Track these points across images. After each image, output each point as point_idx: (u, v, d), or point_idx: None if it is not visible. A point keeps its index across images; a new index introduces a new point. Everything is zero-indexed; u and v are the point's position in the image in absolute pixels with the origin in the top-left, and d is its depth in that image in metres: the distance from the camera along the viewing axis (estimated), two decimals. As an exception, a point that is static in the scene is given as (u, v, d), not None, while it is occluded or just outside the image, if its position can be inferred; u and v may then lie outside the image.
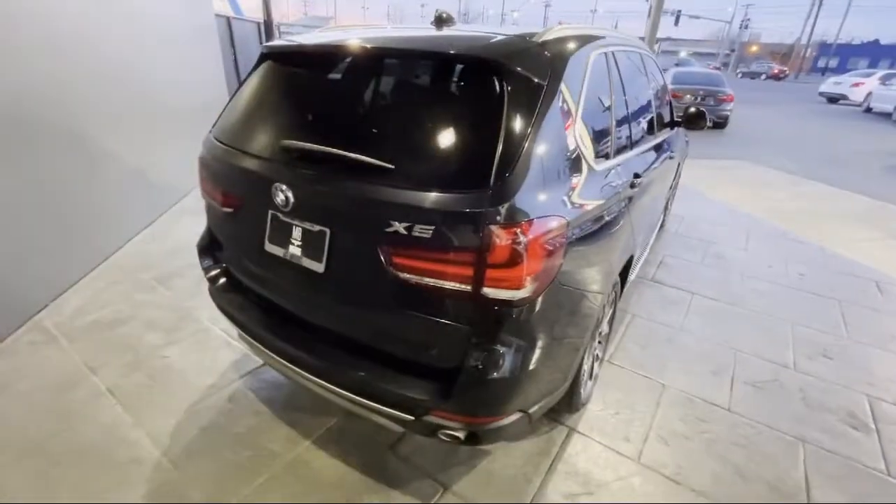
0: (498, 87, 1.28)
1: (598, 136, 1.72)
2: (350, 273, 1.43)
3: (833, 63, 50.83)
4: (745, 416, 2.17)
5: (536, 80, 1.34)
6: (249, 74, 1.82)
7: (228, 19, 6.99)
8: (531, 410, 1.50)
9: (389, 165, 1.28)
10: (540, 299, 1.31)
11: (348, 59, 1.66)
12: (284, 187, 1.42)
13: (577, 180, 1.47)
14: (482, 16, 69.37)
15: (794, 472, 1.89)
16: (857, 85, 17.29)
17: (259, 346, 1.74)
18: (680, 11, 30.97)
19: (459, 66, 1.46)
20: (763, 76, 38.61)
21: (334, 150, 1.35)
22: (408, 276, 1.29)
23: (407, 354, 1.45)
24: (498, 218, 1.19)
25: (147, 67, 3.96)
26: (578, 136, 1.51)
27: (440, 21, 1.77)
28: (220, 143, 1.71)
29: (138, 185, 3.86)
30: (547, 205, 1.29)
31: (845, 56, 51.77)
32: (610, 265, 1.80)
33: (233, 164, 1.63)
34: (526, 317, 1.31)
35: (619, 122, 1.96)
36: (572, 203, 1.41)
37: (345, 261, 1.43)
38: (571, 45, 1.58)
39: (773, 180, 6.55)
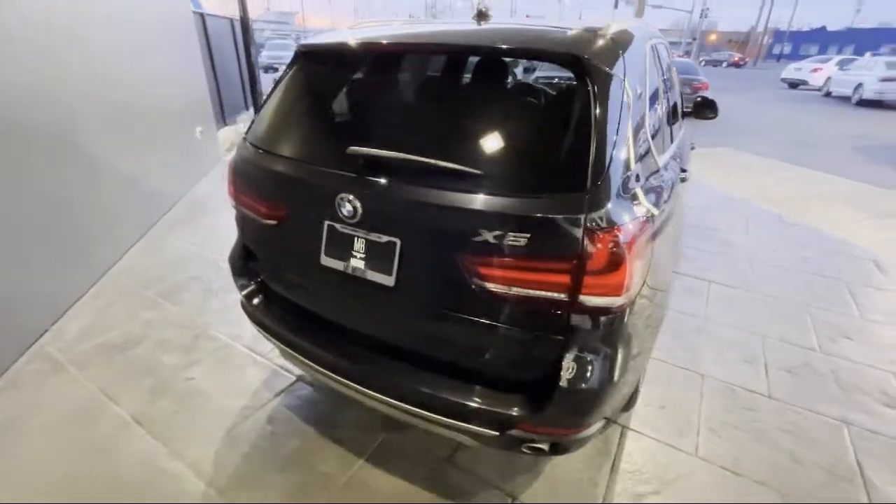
0: (588, 85, 1.21)
1: (657, 131, 1.68)
2: (425, 286, 1.35)
3: (787, 49, 53.00)
4: (787, 402, 2.20)
5: (616, 76, 1.29)
6: (284, 75, 1.69)
7: (203, 16, 6.64)
8: (612, 415, 1.46)
9: (478, 171, 1.20)
10: (633, 304, 1.27)
11: (413, 58, 1.57)
12: (351, 197, 1.32)
13: (652, 177, 1.44)
14: (450, 8, 68.75)
15: (846, 456, 1.93)
16: (816, 70, 18.04)
17: (311, 363, 1.63)
18: (644, 1, 31.53)
19: (563, 65, 1.32)
20: (724, 64, 39.90)
21: (422, 159, 1.25)
22: (496, 286, 1.22)
23: (486, 368, 1.38)
24: (598, 222, 1.13)
25: (127, 70, 3.70)
26: (648, 132, 1.47)
27: (481, 15, 1.69)
28: (262, 150, 1.59)
29: (128, 195, 3.62)
30: (635, 205, 1.25)
31: (798, 42, 53.97)
32: (673, 262, 1.78)
33: (281, 172, 1.51)
34: (619, 323, 1.27)
35: (666, 115, 1.94)
36: (651, 201, 1.37)
37: (418, 273, 1.35)
38: (632, 40, 1.54)
39: (757, 165, 6.75)
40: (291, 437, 1.96)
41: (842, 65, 16.79)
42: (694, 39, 38.86)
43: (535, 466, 1.84)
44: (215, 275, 3.22)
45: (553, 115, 1.27)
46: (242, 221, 1.81)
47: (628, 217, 1.19)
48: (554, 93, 1.31)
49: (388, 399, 1.47)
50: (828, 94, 16.38)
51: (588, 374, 1.25)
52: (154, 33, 4.20)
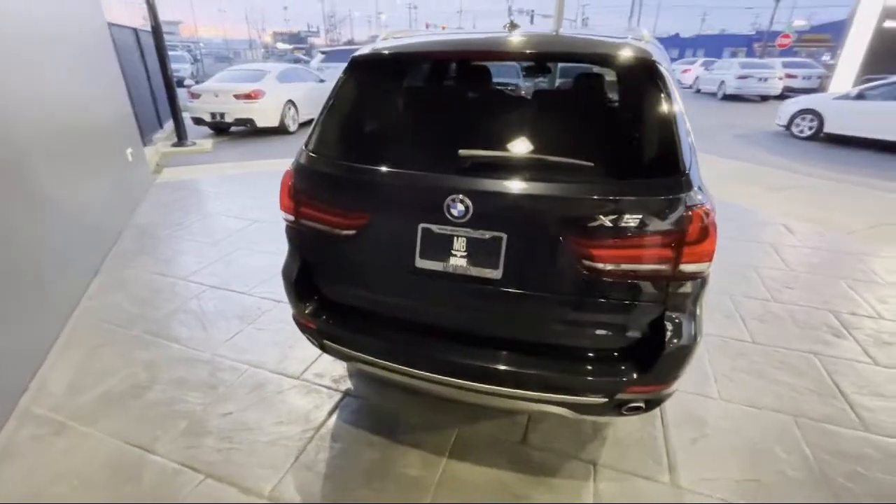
0: (655, 82, 1.41)
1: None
2: (533, 274, 1.46)
3: (654, 53, 60.25)
4: (768, 344, 2.64)
5: (669, 75, 1.51)
6: (345, 85, 1.67)
7: (109, 26, 5.95)
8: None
9: (589, 163, 1.34)
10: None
11: (492, 64, 1.65)
12: (462, 197, 1.38)
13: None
14: (348, 18, 67.97)
15: (825, 379, 2.37)
16: (686, 71, 20.91)
17: (402, 367, 1.64)
18: (534, 11, 34.17)
19: (624, 67, 1.47)
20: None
21: (541, 156, 1.36)
22: (606, 265, 1.37)
23: (591, 342, 1.52)
24: (693, 199, 1.33)
25: (53, 90, 3.25)
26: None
27: (513, 26, 1.84)
28: (338, 160, 1.58)
29: (72, 228, 3.17)
30: (702, 183, 1.47)
31: (661, 47, 61.68)
32: None
33: (368, 181, 1.52)
34: (701, 287, 1.48)
35: None
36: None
37: (525, 263, 1.44)
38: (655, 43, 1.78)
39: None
40: (364, 449, 1.93)
41: (706, 65, 19.63)
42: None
43: (601, 433, 2.02)
44: (203, 303, 2.98)
45: (635, 111, 1.44)
46: (303, 236, 1.75)
47: (703, 194, 1.41)
48: (636, 91, 1.47)
49: (495, 388, 1.55)
50: (697, 91, 19.02)
51: (683, 333, 1.45)
52: (74, 48, 3.72)
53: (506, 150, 1.38)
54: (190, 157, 6.96)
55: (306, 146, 1.68)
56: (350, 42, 52.97)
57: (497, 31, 1.88)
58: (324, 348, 1.84)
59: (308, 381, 2.31)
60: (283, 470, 1.82)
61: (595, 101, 1.53)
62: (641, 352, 1.47)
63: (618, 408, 1.55)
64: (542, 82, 1.71)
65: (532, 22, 33.13)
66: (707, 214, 1.34)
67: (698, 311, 1.51)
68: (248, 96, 7.86)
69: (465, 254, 1.48)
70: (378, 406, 2.17)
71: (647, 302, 1.43)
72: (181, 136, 7.18)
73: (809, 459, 1.89)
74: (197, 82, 11.53)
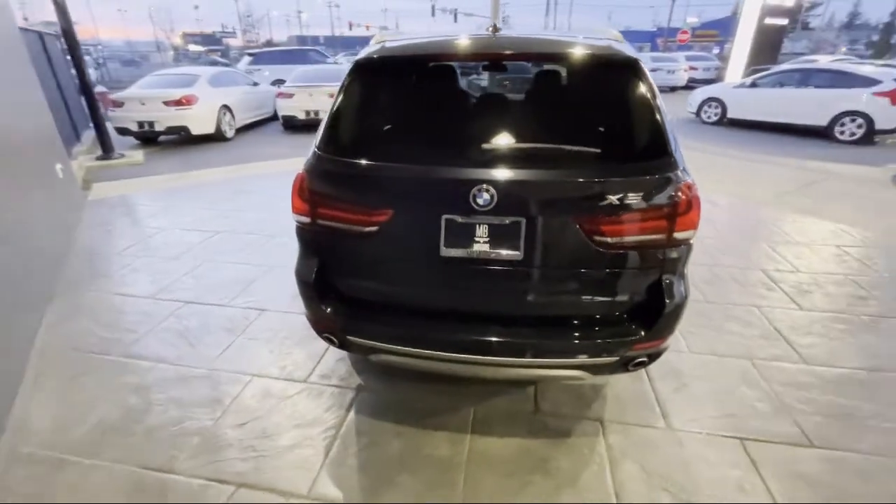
0: (642, 78, 1.63)
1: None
2: (550, 252, 1.62)
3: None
4: (719, 302, 3.04)
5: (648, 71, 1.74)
6: (349, 86, 1.73)
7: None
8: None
9: (596, 150, 1.52)
10: (693, 235, 1.74)
11: (496, 63, 1.77)
12: (486, 187, 1.51)
13: None
14: (266, 17, 64.67)
15: (768, 326, 2.79)
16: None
17: (432, 352, 1.74)
18: (457, 10, 34.80)
19: (618, 65, 1.67)
20: (529, 63, 46.33)
21: (555, 145, 1.52)
22: (614, 239, 1.57)
23: (600, 309, 1.72)
24: (681, 175, 1.57)
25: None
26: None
27: (496, 29, 1.99)
28: (356, 160, 1.64)
29: (8, 252, 2.89)
30: (684, 163, 1.71)
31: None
32: None
33: (391, 178, 1.60)
34: (687, 252, 1.72)
35: None
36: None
37: (542, 243, 1.60)
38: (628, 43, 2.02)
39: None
40: (391, 439, 2.00)
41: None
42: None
43: (600, 393, 2.25)
44: (183, 320, 2.85)
45: (629, 104, 1.64)
46: (320, 237, 1.79)
47: (686, 172, 1.65)
48: (626, 86, 1.66)
49: (523, 361, 1.70)
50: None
51: (678, 292, 1.69)
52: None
53: (523, 141, 1.53)
54: (120, 170, 6.41)
55: (319, 148, 1.72)
56: (269, 43, 50.53)
57: (479, 32, 2.02)
58: (345, 345, 1.89)
59: (316, 384, 2.33)
60: (315, 469, 1.85)
61: (593, 96, 1.71)
62: (645, 312, 1.69)
63: (625, 365, 1.76)
64: (542, 80, 1.85)
65: (455, 21, 33.71)
66: (691, 188, 1.58)
67: (686, 273, 1.76)
68: (179, 102, 7.39)
69: (487, 239, 1.61)
70: (392, 397, 2.24)
71: (647, 268, 1.65)
72: (107, 149, 6.58)
73: (769, 392, 2.25)
74: (109, 89, 10.54)
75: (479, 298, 1.74)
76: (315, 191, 1.70)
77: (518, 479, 1.81)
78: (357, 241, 1.72)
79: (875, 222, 4.47)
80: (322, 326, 1.89)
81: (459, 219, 1.60)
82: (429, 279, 1.73)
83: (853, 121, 8.51)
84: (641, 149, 1.60)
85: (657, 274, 1.67)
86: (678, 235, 1.61)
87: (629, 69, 1.63)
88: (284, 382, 2.33)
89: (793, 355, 2.53)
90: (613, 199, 1.52)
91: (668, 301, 1.66)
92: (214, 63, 29.06)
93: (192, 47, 48.61)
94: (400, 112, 1.75)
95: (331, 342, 1.92)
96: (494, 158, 1.55)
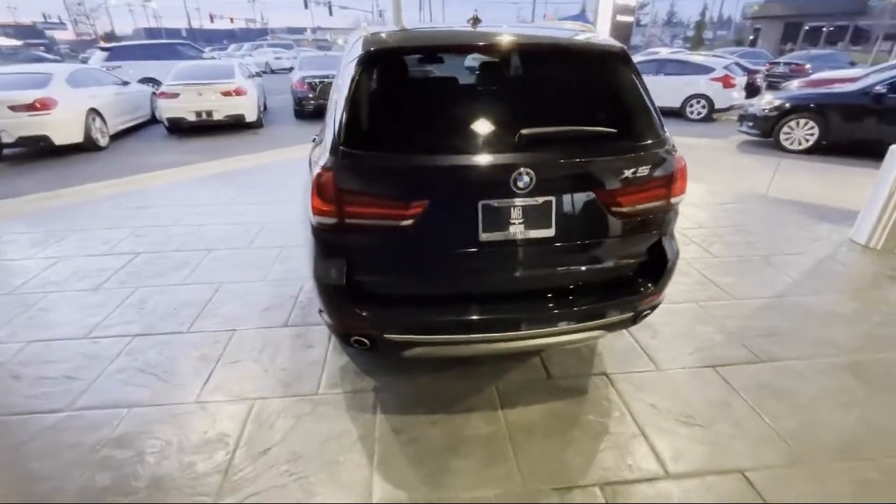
0: (633, 66, 1.85)
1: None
2: (578, 226, 1.77)
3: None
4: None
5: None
6: (360, 78, 1.67)
7: None
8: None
9: (613, 130, 1.70)
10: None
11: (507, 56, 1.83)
12: (525, 170, 1.61)
13: None
14: (104, 6, 54.85)
15: (697, 274, 3.33)
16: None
17: (473, 336, 1.80)
18: (330, 3, 33.57)
19: (610, 57, 1.85)
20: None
21: (583, 127, 1.66)
22: (629, 208, 1.78)
23: (618, 272, 1.93)
24: (674, 148, 1.83)
25: None
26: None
27: (476, 21, 2.08)
28: (392, 153, 1.61)
29: None
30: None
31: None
32: None
33: (428, 167, 1.61)
34: (676, 215, 2.00)
35: None
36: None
37: (570, 218, 1.75)
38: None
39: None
40: (428, 430, 2.01)
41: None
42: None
43: (595, 351, 2.50)
44: (141, 356, 2.47)
45: (629, 90, 1.84)
46: (348, 236, 1.71)
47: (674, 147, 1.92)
48: (619, 73, 1.86)
49: (558, 329, 1.84)
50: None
51: (675, 250, 1.98)
52: None
53: (546, 125, 1.65)
54: (-44, 196, 5.10)
55: (344, 144, 1.64)
56: (111, 36, 43.29)
57: (462, 24, 2.08)
58: (379, 346, 1.85)
59: (328, 394, 2.22)
60: (367, 476, 1.80)
61: (598, 83, 1.88)
62: (651, 270, 1.95)
63: (635, 319, 2.01)
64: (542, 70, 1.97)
65: (331, 14, 32.47)
66: (681, 160, 1.85)
67: (675, 234, 2.07)
68: (33, 107, 6.13)
69: (522, 220, 1.71)
70: (413, 391, 2.24)
71: (652, 231, 1.91)
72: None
73: (718, 325, 2.72)
74: None
75: (517, 277, 1.83)
76: (344, 188, 1.63)
77: (560, 438, 1.97)
78: (391, 235, 1.70)
79: (737, 181, 5.53)
80: (355, 330, 1.82)
81: (496, 203, 1.67)
82: (468, 265, 1.77)
83: (699, 102, 10.27)
84: (643, 128, 1.82)
85: (658, 235, 1.93)
86: (673, 200, 1.88)
87: (623, 58, 1.85)
88: (294, 399, 2.18)
89: (723, 294, 3.07)
90: (628, 173, 1.73)
91: (669, 258, 1.94)
92: (41, 59, 24.27)
93: (4, 41, 39.59)
94: (421, 102, 1.74)
95: (361, 346, 1.86)
96: (526, 143, 1.64)
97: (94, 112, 6.94)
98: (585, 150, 1.71)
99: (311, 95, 9.28)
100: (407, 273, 1.81)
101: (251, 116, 8.19)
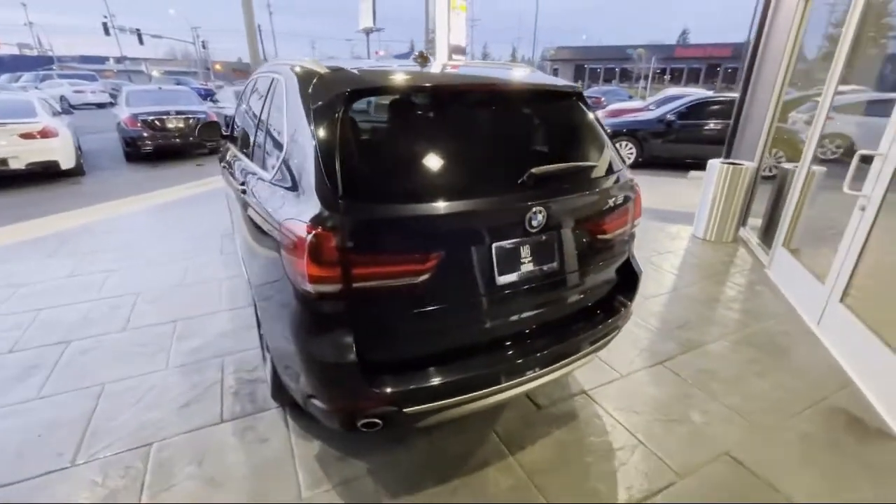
0: (587, 107, 2.00)
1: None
2: (575, 256, 1.82)
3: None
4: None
5: None
6: (342, 120, 1.46)
7: None
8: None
9: (595, 163, 1.80)
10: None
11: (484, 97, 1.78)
12: (539, 209, 1.59)
13: None
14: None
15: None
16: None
17: (494, 388, 1.68)
18: (140, 30, 29.12)
19: (577, 97, 1.99)
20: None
21: (583, 164, 1.74)
22: (611, 234, 1.91)
23: (608, 293, 2.04)
24: (632, 179, 2.03)
25: None
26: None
27: (424, 59, 2.05)
28: (399, 203, 1.43)
29: None
30: None
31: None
32: None
33: (449, 215, 1.47)
34: (634, 235, 2.21)
35: None
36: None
37: (570, 249, 1.79)
38: None
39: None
40: (451, 497, 1.80)
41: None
42: (207, 69, 40.19)
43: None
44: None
45: (586, 125, 1.97)
46: (356, 303, 1.45)
47: None
48: (576, 111, 1.99)
49: (566, 362, 1.84)
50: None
51: (639, 265, 2.18)
52: None
53: (549, 162, 1.67)
54: None
55: (342, 196, 1.39)
56: None
57: (411, 64, 2.00)
58: (395, 422, 1.60)
59: (317, 495, 1.83)
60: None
61: (565, 121, 1.98)
62: (623, 288, 2.11)
63: (617, 332, 2.15)
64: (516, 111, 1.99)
65: (141, 43, 28.38)
66: (637, 186, 2.07)
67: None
68: (39, 135, 6.04)
69: (531, 258, 1.69)
70: (414, 462, 1.99)
71: (621, 252, 2.07)
72: None
73: (644, 324, 3.08)
74: None
75: (532, 314, 1.78)
76: (351, 248, 1.38)
77: (577, 466, 1.96)
78: (407, 294, 1.49)
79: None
80: (367, 412, 1.53)
81: (508, 244, 1.62)
82: (488, 311, 1.66)
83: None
84: (614, 159, 1.98)
85: (625, 256, 2.11)
86: (636, 222, 2.08)
87: (579, 97, 2.00)
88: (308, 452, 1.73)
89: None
90: (611, 201, 1.86)
91: (637, 275, 2.13)
92: None
93: None
94: (414, 144, 1.58)
95: (372, 427, 1.58)
96: (534, 181, 1.63)
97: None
98: (582, 184, 1.78)
99: (146, 135, 7.85)
100: (424, 335, 1.61)
101: (67, 162, 6.51)
